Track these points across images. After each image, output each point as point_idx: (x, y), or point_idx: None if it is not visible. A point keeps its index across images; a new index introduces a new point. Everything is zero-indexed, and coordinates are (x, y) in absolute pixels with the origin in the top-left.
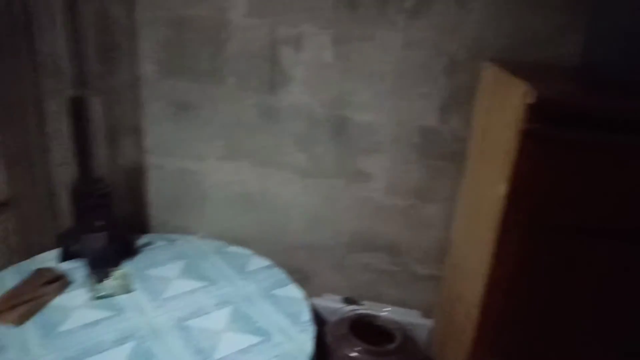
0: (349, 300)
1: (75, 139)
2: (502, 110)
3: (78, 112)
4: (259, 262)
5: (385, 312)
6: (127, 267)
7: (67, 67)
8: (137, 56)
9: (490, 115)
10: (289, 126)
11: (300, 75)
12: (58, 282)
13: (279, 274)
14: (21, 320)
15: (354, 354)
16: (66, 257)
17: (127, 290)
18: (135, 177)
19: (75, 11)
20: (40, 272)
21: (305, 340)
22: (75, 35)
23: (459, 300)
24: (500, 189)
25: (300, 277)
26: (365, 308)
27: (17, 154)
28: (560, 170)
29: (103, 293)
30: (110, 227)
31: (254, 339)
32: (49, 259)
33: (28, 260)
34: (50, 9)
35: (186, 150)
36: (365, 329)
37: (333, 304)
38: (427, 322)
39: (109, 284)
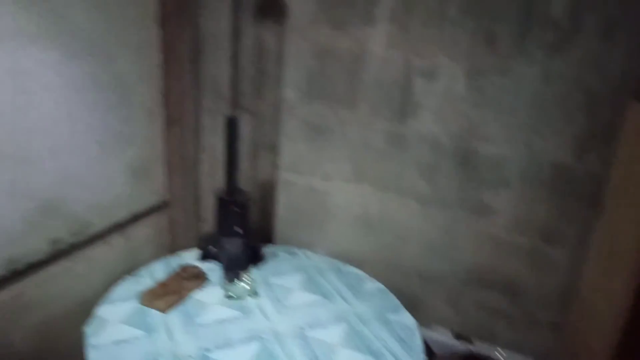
0: (460, 337)
1: (226, 153)
2: None
3: (232, 130)
4: (373, 284)
5: (498, 354)
6: (255, 273)
7: (225, 89)
8: (281, 82)
9: (635, 155)
10: (414, 154)
11: (430, 105)
12: (198, 278)
13: (393, 299)
14: (168, 308)
15: None
16: (205, 257)
17: (254, 294)
18: (268, 191)
19: (238, 42)
20: (184, 268)
21: None
22: (235, 62)
23: (586, 351)
24: None
25: (412, 304)
26: (477, 347)
27: (175, 162)
28: None
29: (234, 294)
30: (245, 234)
31: (367, 358)
32: (190, 257)
33: (174, 256)
34: (217, 40)
35: (315, 170)
36: None
37: (443, 338)
38: None
39: (240, 286)
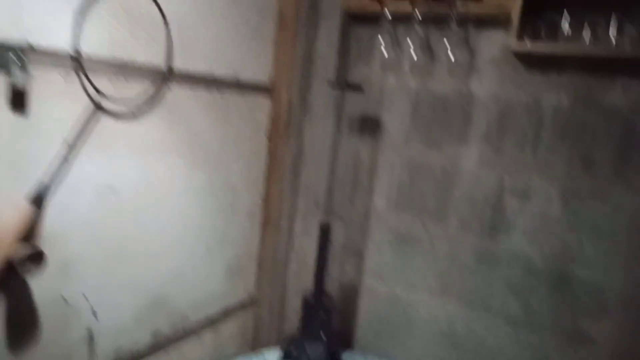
0: None
1: (317, 257)
2: None
3: (325, 236)
4: None
5: None
6: None
7: (320, 196)
8: (373, 191)
9: None
10: (505, 273)
11: (523, 225)
12: None
13: None
14: None
15: None
16: (286, 358)
17: None
18: (351, 296)
19: (336, 154)
20: None
21: None
22: (331, 172)
23: None
24: None
25: None
26: None
27: (266, 262)
28: None
29: None
30: (327, 339)
31: None
32: (271, 356)
33: (256, 355)
34: (317, 151)
35: (399, 279)
36: None
37: None
38: None
39: None
